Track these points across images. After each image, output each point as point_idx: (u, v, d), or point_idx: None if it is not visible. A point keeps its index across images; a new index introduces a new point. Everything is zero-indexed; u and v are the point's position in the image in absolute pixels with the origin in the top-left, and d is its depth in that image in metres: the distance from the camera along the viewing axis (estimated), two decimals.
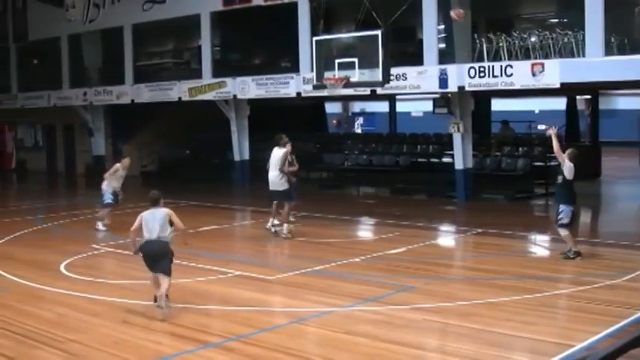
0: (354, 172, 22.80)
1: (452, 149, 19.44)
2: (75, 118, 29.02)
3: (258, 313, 8.96)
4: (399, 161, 22.18)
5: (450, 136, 19.44)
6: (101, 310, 9.07)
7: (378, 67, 13.84)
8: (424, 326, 8.27)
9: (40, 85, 29.48)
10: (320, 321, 8.54)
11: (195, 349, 7.56)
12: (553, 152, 11.80)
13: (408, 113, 40.14)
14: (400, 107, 33.41)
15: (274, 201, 14.17)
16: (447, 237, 15.27)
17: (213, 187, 23.23)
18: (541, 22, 19.70)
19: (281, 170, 13.82)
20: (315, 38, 15.18)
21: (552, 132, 11.71)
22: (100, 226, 15.31)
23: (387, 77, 14.05)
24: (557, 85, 16.44)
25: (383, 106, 34.82)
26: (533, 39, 17.45)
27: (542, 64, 16.45)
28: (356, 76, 14.14)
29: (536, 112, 35.12)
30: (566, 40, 16.71)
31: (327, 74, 14.46)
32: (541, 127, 25.97)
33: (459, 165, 19.06)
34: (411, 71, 18.35)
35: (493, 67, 17.07)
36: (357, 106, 47.87)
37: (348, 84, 14.31)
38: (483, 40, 17.86)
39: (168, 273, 8.75)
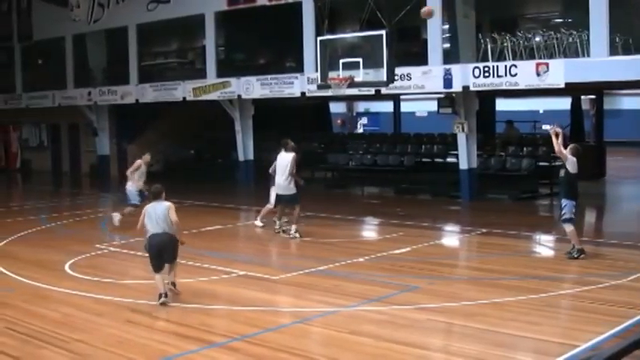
0: (359, 172, 22.78)
1: (456, 149, 19.42)
2: (79, 118, 29.07)
3: (262, 313, 8.97)
4: (404, 161, 22.13)
5: (455, 136, 19.41)
6: (106, 310, 9.10)
7: (382, 67, 13.79)
8: (428, 326, 8.27)
9: (44, 85, 29.51)
10: (324, 321, 8.54)
11: (200, 348, 7.57)
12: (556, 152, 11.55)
13: (413, 113, 40.14)
14: (404, 107, 33.36)
15: (282, 205, 14.22)
16: (451, 237, 15.25)
17: (217, 187, 23.25)
18: (545, 22, 19.65)
19: (291, 174, 13.83)
20: (319, 38, 15.15)
21: (554, 130, 11.30)
22: (116, 215, 15.41)
23: (391, 77, 14.00)
24: (562, 85, 16.42)
25: (387, 106, 34.78)
26: (537, 39, 17.43)
27: (547, 64, 16.42)
28: (360, 76, 14.09)
29: (541, 112, 35.03)
30: (570, 40, 16.69)
31: (332, 74, 14.42)
32: (546, 127, 25.91)
33: (463, 165, 19.04)
34: (415, 71, 18.34)
35: (497, 67, 17.05)
36: (361, 106, 47.85)
37: (352, 84, 14.27)
38: (488, 40, 17.86)
39: (174, 259, 9.24)
